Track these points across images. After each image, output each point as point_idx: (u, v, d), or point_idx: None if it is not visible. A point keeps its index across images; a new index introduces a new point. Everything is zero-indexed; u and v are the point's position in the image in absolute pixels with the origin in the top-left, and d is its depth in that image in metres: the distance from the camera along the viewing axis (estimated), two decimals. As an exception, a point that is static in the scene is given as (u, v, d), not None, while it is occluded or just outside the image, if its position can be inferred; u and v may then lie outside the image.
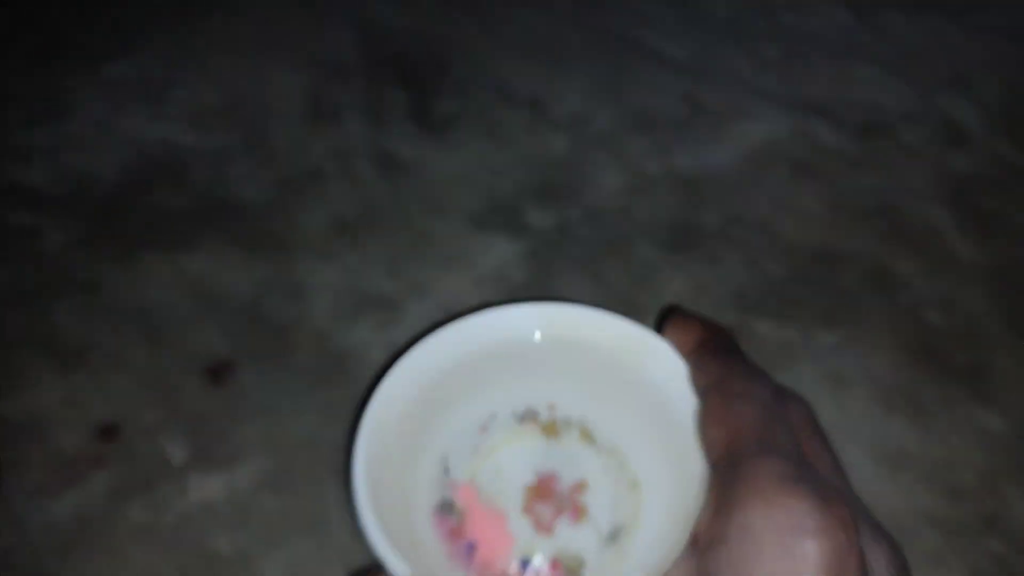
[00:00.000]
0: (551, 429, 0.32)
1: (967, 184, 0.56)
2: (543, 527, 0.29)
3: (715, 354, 0.25)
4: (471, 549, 0.28)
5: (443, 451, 0.30)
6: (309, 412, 0.44)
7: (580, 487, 0.30)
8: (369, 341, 0.46)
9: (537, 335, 0.32)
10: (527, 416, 0.32)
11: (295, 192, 0.55)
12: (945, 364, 0.46)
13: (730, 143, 0.59)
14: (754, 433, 0.21)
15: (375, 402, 0.28)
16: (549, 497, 0.30)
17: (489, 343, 0.31)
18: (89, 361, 0.45)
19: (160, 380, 0.44)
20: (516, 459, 0.31)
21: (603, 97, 0.63)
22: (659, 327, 0.28)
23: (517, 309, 0.31)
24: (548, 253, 0.51)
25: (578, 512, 0.30)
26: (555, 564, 0.28)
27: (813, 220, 0.53)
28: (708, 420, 0.23)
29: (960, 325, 0.48)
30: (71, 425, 0.43)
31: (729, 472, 0.21)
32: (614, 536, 0.29)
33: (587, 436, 0.31)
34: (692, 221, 0.53)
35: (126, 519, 0.39)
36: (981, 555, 0.39)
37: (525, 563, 0.28)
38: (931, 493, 0.41)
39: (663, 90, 0.63)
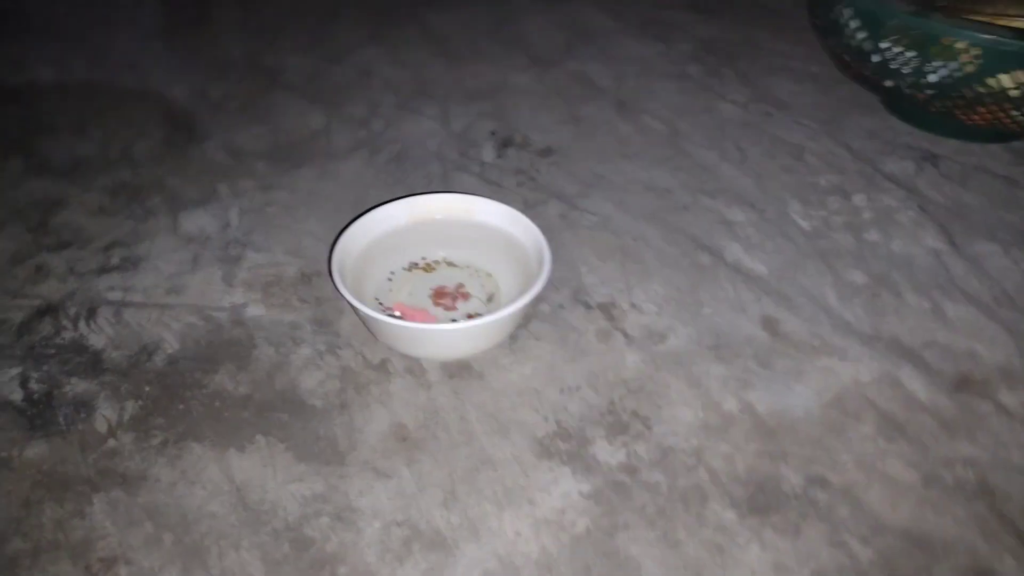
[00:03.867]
0: (428, 268, 0.60)
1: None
2: (449, 308, 0.57)
3: None
4: None
5: (373, 293, 0.58)
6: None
7: (460, 286, 0.59)
8: (416, 590, 0.43)
9: (439, 215, 0.61)
10: (411, 266, 0.60)
11: (358, 387, 0.53)
12: None
13: (812, 383, 0.55)
14: None
15: (342, 242, 0.56)
16: (445, 296, 0.57)
17: (397, 221, 0.60)
18: None
19: (190, 610, 0.42)
20: (416, 288, 0.58)
21: (680, 311, 0.61)
22: None
23: (420, 199, 0.60)
24: (615, 499, 0.48)
25: (465, 296, 0.58)
26: (469, 316, 0.56)
27: (903, 492, 0.49)
28: None
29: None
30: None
31: None
32: (490, 299, 0.58)
33: (451, 264, 0.61)
34: (771, 477, 0.49)
35: None
36: None
37: (454, 321, 0.55)
38: None
39: (743, 310, 0.61)
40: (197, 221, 0.67)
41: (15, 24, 1.00)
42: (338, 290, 0.51)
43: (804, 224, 0.70)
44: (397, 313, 0.55)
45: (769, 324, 0.60)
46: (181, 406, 0.52)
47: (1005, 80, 0.70)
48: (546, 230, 0.58)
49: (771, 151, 0.80)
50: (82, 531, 0.45)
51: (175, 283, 0.61)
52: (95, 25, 1.00)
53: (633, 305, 0.61)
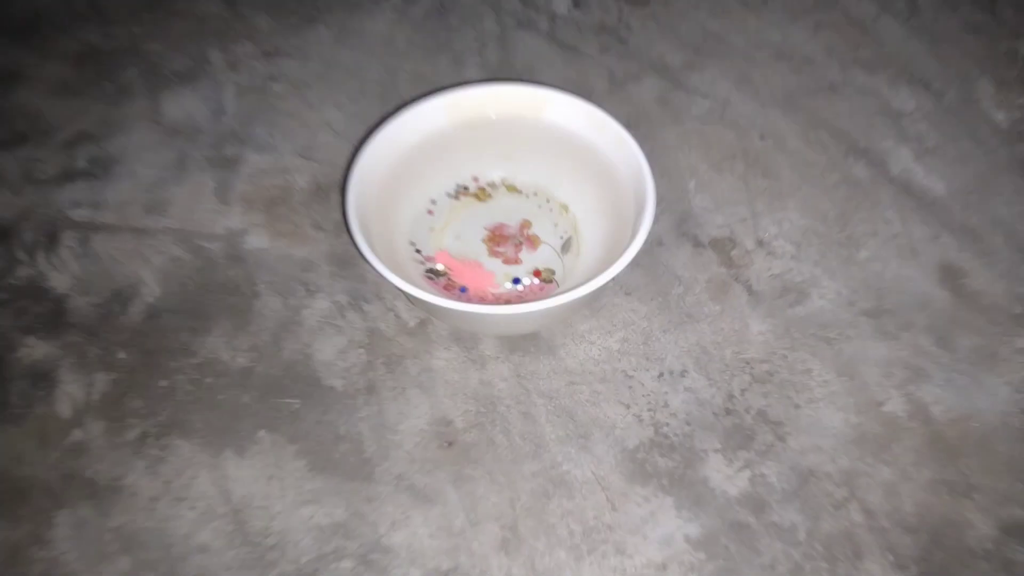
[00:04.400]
0: (482, 195, 0.43)
1: None
2: (510, 260, 0.41)
3: None
4: (464, 291, 0.40)
5: (408, 237, 0.41)
6: None
7: (525, 224, 0.42)
8: (465, 678, 0.32)
9: (496, 116, 0.41)
10: (459, 191, 0.43)
11: (390, 362, 0.40)
12: None
13: (1008, 374, 0.40)
14: None
15: (361, 164, 0.38)
16: (505, 240, 0.41)
17: (439, 125, 0.41)
18: (87, 636, 0.33)
19: None
20: (466, 224, 0.42)
21: (826, 253, 0.44)
22: None
23: (469, 93, 0.41)
24: (733, 549, 0.35)
25: (532, 241, 0.41)
26: (536, 273, 0.40)
27: None
28: None
29: None
30: None
31: None
32: (566, 247, 0.41)
33: (512, 188, 0.43)
34: (952, 522, 0.36)
35: None
36: None
37: (516, 281, 0.40)
38: None
39: (914, 253, 0.44)
40: (183, 104, 0.51)
41: None
42: (356, 246, 0.36)
43: (999, 116, 0.51)
44: (440, 266, 0.41)
45: (951, 277, 0.43)
46: (164, 382, 0.40)
47: None
48: (641, 121, 0.42)
49: (956, -1, 0.58)
50: (42, 566, 0.35)
51: (156, 196, 0.47)
52: None
53: (760, 242, 0.45)
